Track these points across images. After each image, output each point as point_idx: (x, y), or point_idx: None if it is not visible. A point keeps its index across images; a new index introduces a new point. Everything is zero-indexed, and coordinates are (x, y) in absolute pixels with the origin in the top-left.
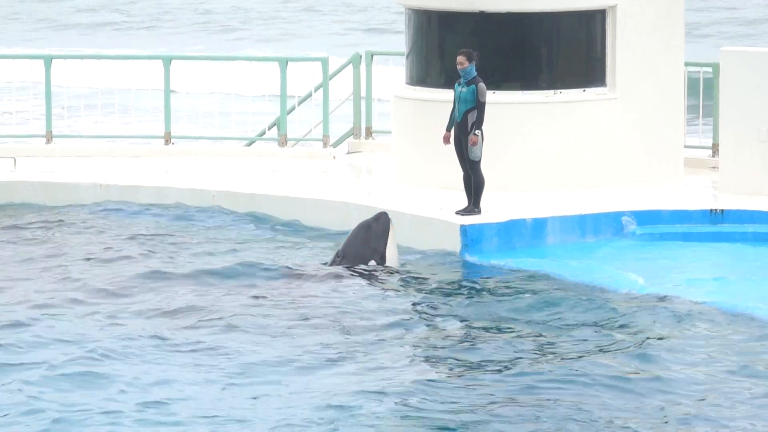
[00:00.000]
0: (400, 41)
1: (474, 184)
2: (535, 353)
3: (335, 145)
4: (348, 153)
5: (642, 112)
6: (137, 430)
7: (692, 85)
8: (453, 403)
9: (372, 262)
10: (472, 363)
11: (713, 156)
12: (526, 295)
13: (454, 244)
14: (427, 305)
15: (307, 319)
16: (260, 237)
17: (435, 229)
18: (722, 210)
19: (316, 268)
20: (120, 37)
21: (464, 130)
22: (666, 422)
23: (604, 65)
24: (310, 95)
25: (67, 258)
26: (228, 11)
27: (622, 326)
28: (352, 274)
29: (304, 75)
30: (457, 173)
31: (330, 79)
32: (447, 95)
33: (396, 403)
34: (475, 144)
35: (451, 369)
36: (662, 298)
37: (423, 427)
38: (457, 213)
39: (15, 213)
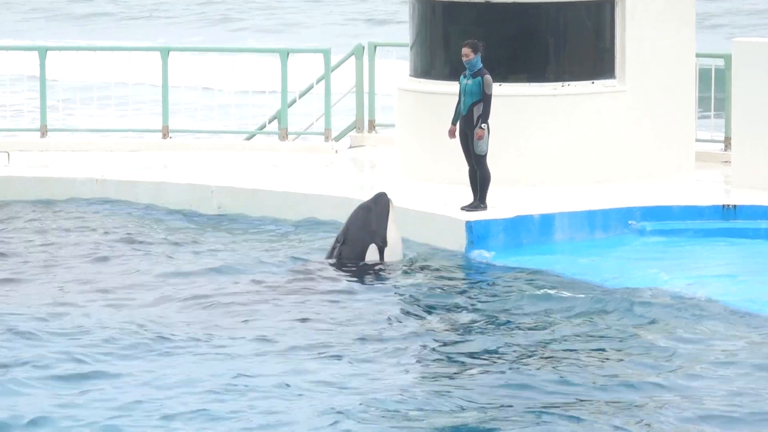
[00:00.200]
0: (403, 32)
1: (480, 179)
2: (543, 352)
3: (337, 139)
4: (350, 147)
5: (652, 104)
6: (133, 429)
7: (704, 76)
8: (455, 401)
9: (373, 246)
10: (476, 362)
11: (725, 150)
12: (534, 293)
13: (460, 240)
14: (431, 304)
15: (306, 317)
16: (261, 233)
17: (439, 226)
18: (735, 205)
19: (317, 265)
20: (116, 28)
21: (470, 123)
22: (680, 422)
23: (613, 56)
24: (311, 87)
25: (61, 256)
26: (227, 1)
27: (632, 325)
28: (354, 271)
29: (306, 67)
30: (463, 168)
31: (332, 71)
32: (452, 87)
33: (398, 402)
34: (481, 138)
35: (454, 367)
36: (674, 296)
37: (427, 428)
38: (463, 209)
39: (9, 209)
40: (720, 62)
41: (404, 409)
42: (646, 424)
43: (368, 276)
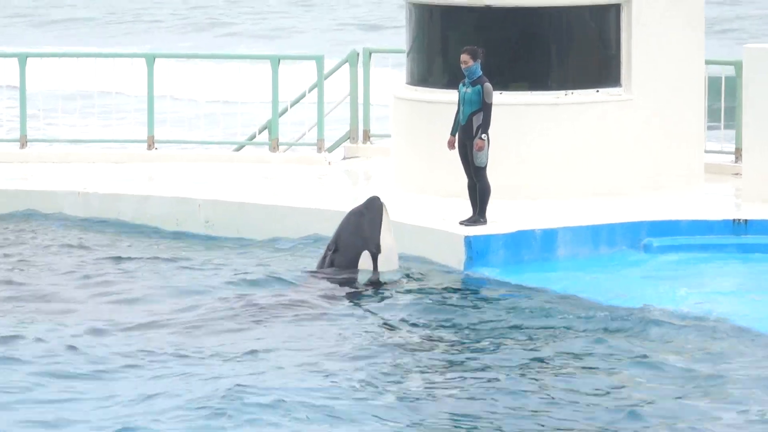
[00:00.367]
0: (400, 37)
1: (479, 192)
2: (546, 373)
3: (331, 149)
4: (344, 158)
5: (659, 114)
6: None
7: (713, 85)
8: (450, 420)
9: (366, 253)
10: (474, 382)
11: (736, 162)
12: (535, 311)
13: (458, 256)
14: (428, 322)
15: (297, 335)
16: (250, 248)
17: (437, 241)
18: (746, 220)
19: (309, 279)
20: (99, 34)
21: (469, 133)
22: None
23: (618, 64)
24: (303, 96)
25: (39, 273)
26: (216, 6)
27: (640, 345)
28: (347, 285)
29: (298, 74)
30: (461, 180)
31: (325, 78)
32: (450, 96)
33: (392, 421)
34: (480, 149)
35: (451, 386)
36: (682, 315)
37: None
38: (461, 223)
39: None
40: (730, 69)
41: (399, 428)
42: None
43: (361, 291)
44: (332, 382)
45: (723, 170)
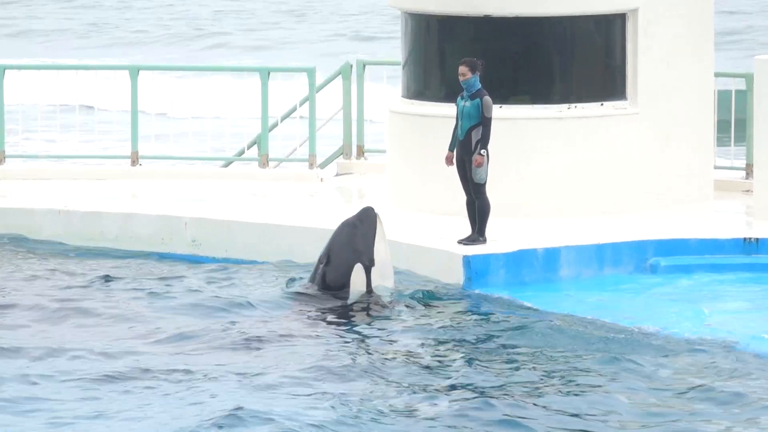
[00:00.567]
0: (395, 49)
1: (478, 210)
2: (549, 399)
3: (323, 166)
4: (337, 175)
5: (667, 128)
6: None
7: (723, 98)
8: None
9: (359, 266)
10: (473, 405)
11: (747, 178)
12: (537, 335)
13: (457, 276)
14: (424, 345)
15: (290, 356)
16: (238, 269)
17: (435, 260)
18: (757, 239)
19: (300, 297)
20: (81, 46)
21: (468, 149)
22: None
23: (624, 76)
24: (294, 110)
25: (21, 295)
26: (203, 16)
27: (651, 368)
28: (340, 304)
29: (289, 87)
30: (460, 198)
31: (317, 91)
32: (448, 110)
33: None
34: (480, 165)
35: (443, 407)
36: (692, 338)
37: None
38: (460, 242)
39: None
40: (741, 82)
41: None
42: None
43: (353, 312)
44: (323, 404)
45: (733, 187)
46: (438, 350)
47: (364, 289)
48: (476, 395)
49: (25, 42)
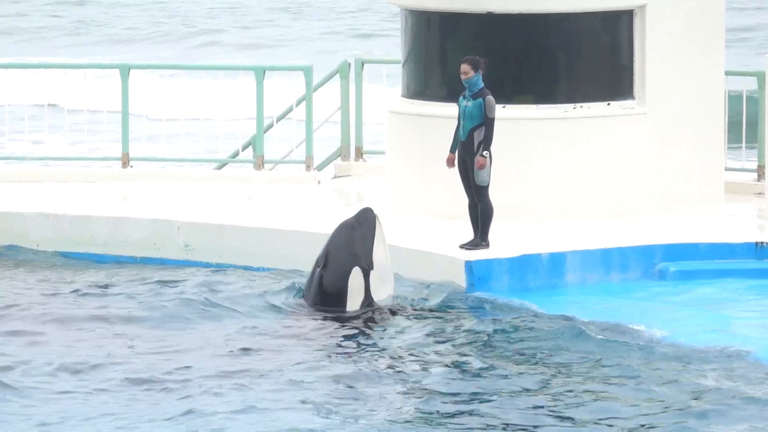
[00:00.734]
0: (394, 47)
1: (481, 213)
2: (557, 403)
3: (320, 168)
4: (335, 177)
5: (675, 128)
6: None
7: (734, 97)
8: None
9: (357, 269)
10: (476, 414)
11: (758, 180)
12: (542, 342)
13: (459, 282)
14: (425, 353)
15: (287, 365)
16: (233, 274)
17: (436, 265)
18: None
19: (296, 305)
20: (71, 43)
21: (470, 150)
22: None
23: (631, 75)
24: (290, 110)
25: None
26: (197, 14)
27: (660, 374)
28: (338, 314)
29: (285, 86)
30: (461, 200)
31: (314, 91)
32: (450, 110)
33: None
34: (482, 167)
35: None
36: (701, 346)
37: None
38: (462, 247)
39: None
40: (752, 81)
41: None
42: None
43: (351, 318)
44: (320, 411)
45: (745, 189)
46: (439, 358)
47: (362, 294)
48: (479, 402)
49: (10, 39)
